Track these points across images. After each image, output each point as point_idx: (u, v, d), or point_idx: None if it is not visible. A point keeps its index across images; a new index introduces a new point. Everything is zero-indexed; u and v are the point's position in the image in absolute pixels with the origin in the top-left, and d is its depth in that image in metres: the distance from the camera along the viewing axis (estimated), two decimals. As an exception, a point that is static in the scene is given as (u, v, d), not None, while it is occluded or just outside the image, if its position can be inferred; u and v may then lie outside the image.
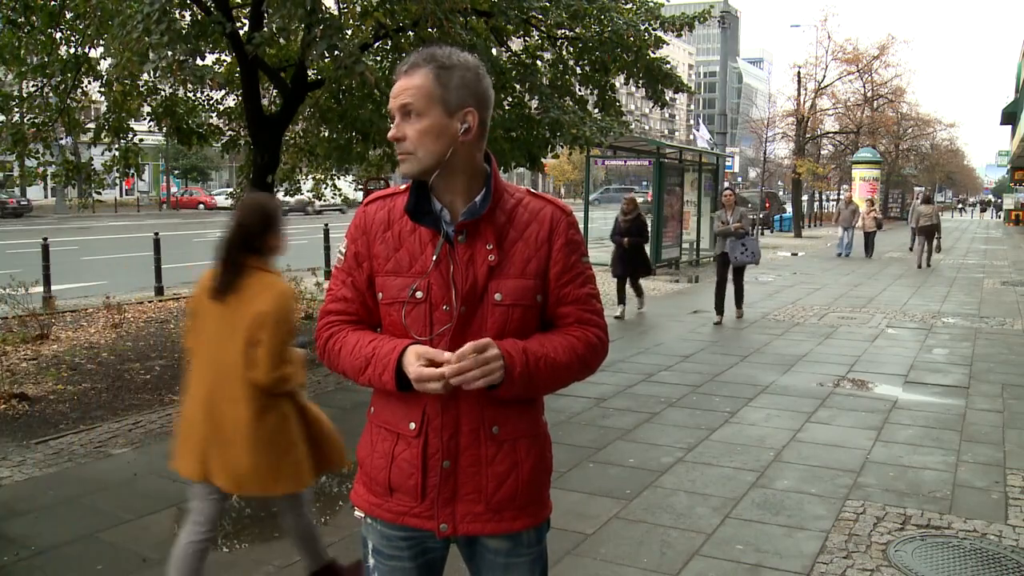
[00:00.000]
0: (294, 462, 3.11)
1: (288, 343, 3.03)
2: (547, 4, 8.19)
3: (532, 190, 1.93)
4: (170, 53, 5.68)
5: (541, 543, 1.95)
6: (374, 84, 6.21)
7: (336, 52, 5.79)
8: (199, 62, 6.19)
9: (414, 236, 1.82)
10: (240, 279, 3.02)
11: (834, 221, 27.14)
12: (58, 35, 7.90)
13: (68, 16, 7.56)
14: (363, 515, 1.92)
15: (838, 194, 58.04)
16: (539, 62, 9.01)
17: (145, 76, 7.62)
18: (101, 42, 6.99)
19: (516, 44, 9.13)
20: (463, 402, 1.79)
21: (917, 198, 29.42)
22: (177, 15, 6.03)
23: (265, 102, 8.92)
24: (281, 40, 6.17)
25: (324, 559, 3.48)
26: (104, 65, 7.75)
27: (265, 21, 5.98)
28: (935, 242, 19.43)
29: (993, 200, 72.15)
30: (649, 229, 13.11)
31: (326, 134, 7.45)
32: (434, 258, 1.78)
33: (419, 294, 1.77)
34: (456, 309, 1.78)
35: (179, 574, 3.10)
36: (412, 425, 1.82)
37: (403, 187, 1.89)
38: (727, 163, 30.08)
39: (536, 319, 1.85)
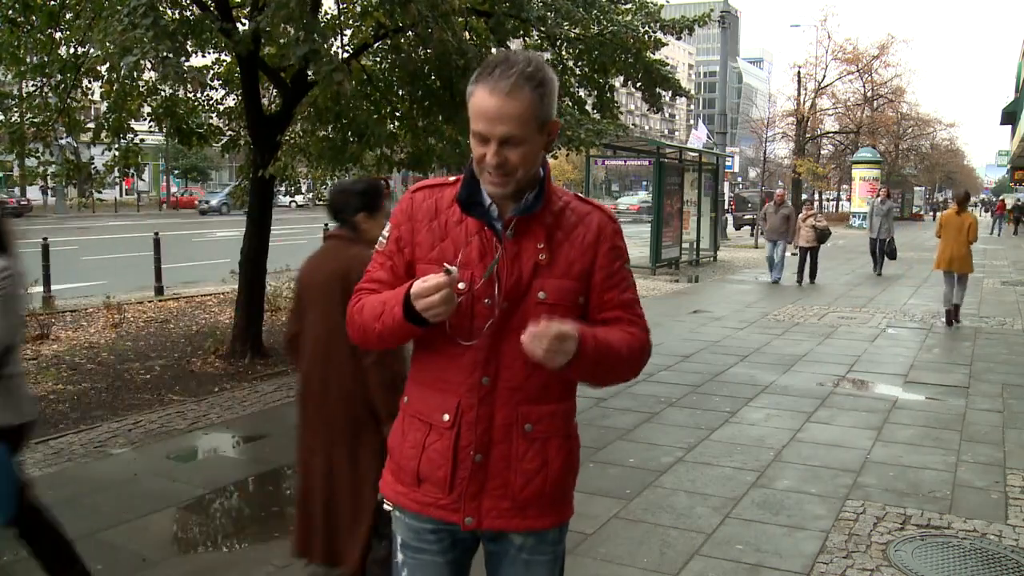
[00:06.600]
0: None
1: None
2: (545, 11, 8.18)
3: (579, 195, 1.95)
4: (153, 48, 5.62)
5: (561, 543, 1.97)
6: (347, 96, 6.15)
7: (318, 58, 5.73)
8: (185, 62, 6.12)
9: (460, 227, 1.82)
10: (965, 210, 10.81)
11: (761, 233, 18.62)
12: (58, 35, 7.88)
13: (67, 16, 7.55)
14: (392, 506, 1.92)
15: (838, 194, 57.75)
16: (538, 62, 9.01)
17: (147, 76, 7.60)
18: (90, 35, 6.93)
19: (515, 44, 9.12)
20: (499, 397, 1.81)
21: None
22: (166, 9, 5.95)
23: (265, 102, 8.90)
24: (281, 41, 6.15)
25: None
26: (101, 64, 7.72)
27: (251, 23, 5.94)
28: None
29: (994, 200, 72.01)
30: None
31: (322, 133, 7.40)
32: (486, 273, 1.76)
33: (461, 285, 1.76)
34: (498, 304, 1.78)
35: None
36: (446, 416, 1.82)
37: (452, 179, 1.89)
38: (727, 163, 30.07)
39: (577, 321, 1.85)
